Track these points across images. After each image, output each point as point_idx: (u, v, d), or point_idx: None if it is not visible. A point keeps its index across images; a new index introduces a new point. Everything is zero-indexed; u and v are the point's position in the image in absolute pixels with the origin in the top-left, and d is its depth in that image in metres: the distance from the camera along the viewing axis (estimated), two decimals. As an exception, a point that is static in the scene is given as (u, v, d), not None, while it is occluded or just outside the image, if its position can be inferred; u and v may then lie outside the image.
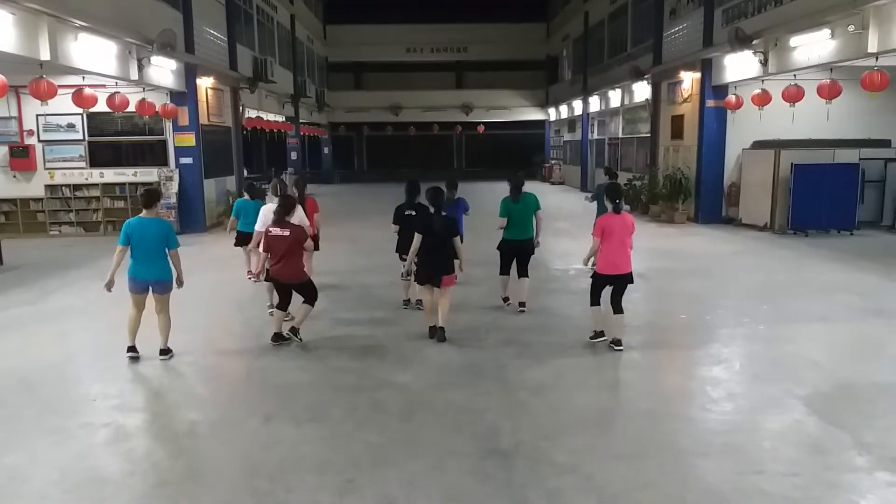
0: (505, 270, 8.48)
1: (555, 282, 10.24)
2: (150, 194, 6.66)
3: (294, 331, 7.09)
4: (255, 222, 8.17)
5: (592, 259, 6.99)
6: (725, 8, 15.33)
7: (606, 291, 6.88)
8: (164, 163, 16.10)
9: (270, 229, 6.91)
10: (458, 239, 7.21)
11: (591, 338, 7.00)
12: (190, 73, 15.78)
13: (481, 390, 5.84)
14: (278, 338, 7.05)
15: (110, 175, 16.02)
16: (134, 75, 13.24)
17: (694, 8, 17.14)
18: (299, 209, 7.71)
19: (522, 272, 8.39)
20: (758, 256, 12.28)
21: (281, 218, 6.94)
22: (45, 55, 9.92)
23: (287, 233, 6.84)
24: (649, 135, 20.26)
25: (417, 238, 7.07)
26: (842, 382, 5.98)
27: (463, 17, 36.43)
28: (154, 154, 16.19)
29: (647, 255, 12.30)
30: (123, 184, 16.00)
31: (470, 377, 6.17)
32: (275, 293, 7.42)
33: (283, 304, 7.15)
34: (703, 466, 4.49)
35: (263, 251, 7.08)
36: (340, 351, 7.01)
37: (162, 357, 6.64)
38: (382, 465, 4.52)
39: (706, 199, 16.70)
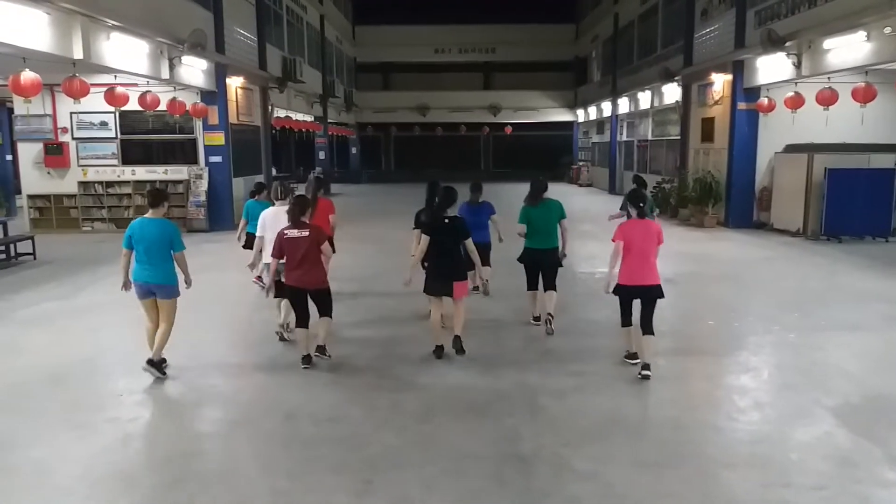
0: (532, 285, 7.77)
1: (580, 285, 10.14)
2: (157, 194, 6.33)
3: (321, 349, 6.48)
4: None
5: (612, 281, 6.38)
6: (758, 9, 15.07)
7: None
8: (194, 161, 16.32)
9: (286, 232, 6.28)
10: (469, 241, 6.64)
11: (626, 357, 6.51)
12: (220, 73, 15.96)
13: (503, 394, 5.79)
14: (308, 360, 6.42)
15: (141, 172, 16.27)
16: (165, 74, 13.43)
17: (726, 9, 16.88)
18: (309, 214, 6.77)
19: (549, 284, 7.61)
20: (789, 262, 12.05)
21: (296, 218, 6.32)
22: (78, 54, 10.09)
23: (306, 233, 6.26)
24: (679, 137, 20.01)
25: (424, 239, 6.52)
26: (873, 393, 5.82)
27: (491, 17, 36.37)
28: (184, 152, 16.42)
29: (675, 260, 12.15)
30: (154, 181, 16.17)
31: (492, 380, 6.12)
32: (285, 310, 7.00)
33: (305, 321, 6.51)
34: (728, 477, 4.40)
35: (275, 257, 6.41)
36: (362, 351, 7.01)
37: (145, 367, 6.09)
38: (400, 466, 4.50)
39: (737, 203, 16.43)
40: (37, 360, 6.67)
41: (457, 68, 38.74)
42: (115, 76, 12.47)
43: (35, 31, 9.18)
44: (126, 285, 6.23)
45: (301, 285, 6.37)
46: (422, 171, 34.31)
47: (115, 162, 16.30)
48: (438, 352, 6.66)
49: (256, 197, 9.54)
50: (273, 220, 7.13)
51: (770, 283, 10.38)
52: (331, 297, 6.61)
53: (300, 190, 10.95)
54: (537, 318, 7.84)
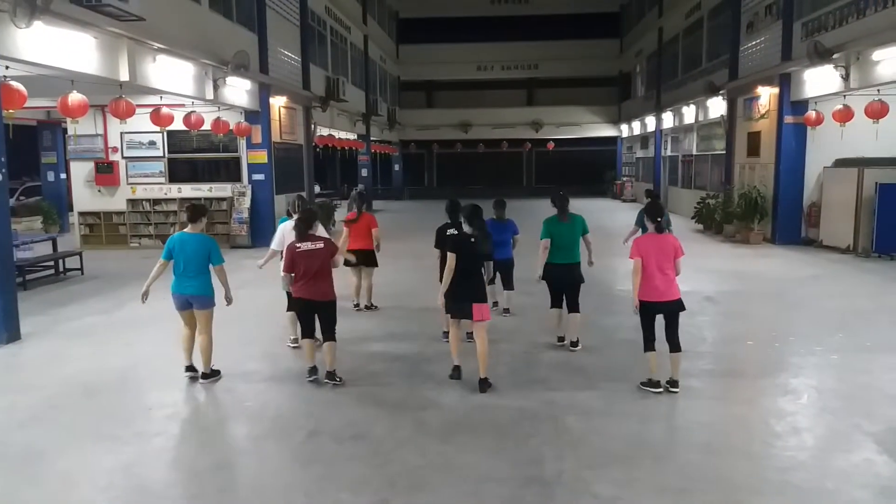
0: (556, 303, 7.59)
1: (618, 303, 9.95)
2: (196, 209, 6.55)
3: (331, 375, 6.42)
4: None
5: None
6: (805, 21, 14.72)
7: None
8: (238, 179, 16.67)
9: (298, 245, 6.31)
10: (490, 263, 6.49)
11: (643, 384, 6.20)
12: (263, 93, 16.31)
13: (527, 413, 5.70)
14: (315, 371, 6.50)
15: (187, 190, 16.68)
16: (210, 95, 13.76)
17: (772, 21, 16.52)
18: (319, 226, 6.84)
19: (572, 306, 7.47)
20: (837, 280, 11.63)
21: (304, 232, 6.36)
22: (124, 76, 10.43)
23: (321, 245, 6.32)
24: (724, 152, 19.61)
25: (452, 257, 6.20)
26: (920, 420, 5.54)
27: (534, 34, 36.42)
28: (228, 170, 16.79)
29: (717, 277, 11.87)
30: (199, 199, 16.58)
31: (517, 399, 6.02)
32: (295, 323, 7.08)
33: (310, 331, 6.51)
34: (758, 505, 4.23)
35: (286, 271, 6.44)
36: (390, 367, 6.99)
37: (203, 381, 6.48)
38: (419, 487, 4.45)
39: (784, 219, 15.98)
40: (74, 373, 6.85)
41: (499, 85, 38.85)
42: (161, 97, 12.85)
43: (83, 55, 9.52)
44: (145, 295, 6.46)
45: (310, 297, 6.34)
46: (464, 188, 34.51)
47: (162, 180, 16.76)
48: (456, 373, 6.48)
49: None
50: (290, 232, 7.09)
51: (815, 301, 10.02)
52: (336, 311, 6.54)
53: (343, 206, 11.02)
54: (562, 339, 7.66)
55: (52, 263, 12.41)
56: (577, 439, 5.23)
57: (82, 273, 12.59)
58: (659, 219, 6.21)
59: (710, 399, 6.20)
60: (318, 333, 6.56)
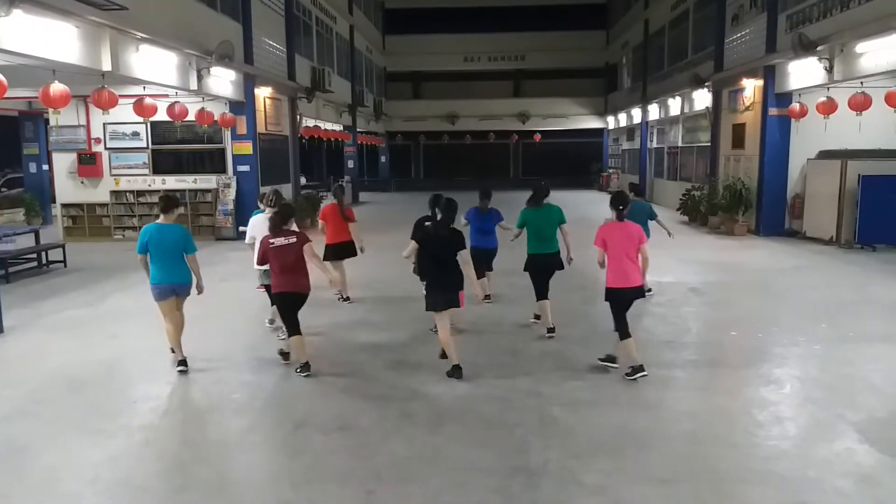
0: (541, 294, 7.67)
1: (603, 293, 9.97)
2: (169, 200, 6.61)
3: (305, 367, 6.48)
4: None
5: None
6: (790, 13, 14.78)
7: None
8: (223, 170, 16.55)
9: (272, 240, 6.36)
10: (465, 252, 6.42)
11: (628, 374, 6.26)
12: (248, 83, 16.18)
13: (514, 404, 5.72)
14: (307, 367, 6.49)
15: (172, 182, 16.54)
16: (193, 85, 13.63)
17: (757, 13, 16.59)
18: (292, 220, 6.86)
19: (545, 293, 7.67)
20: (820, 272, 11.74)
21: (278, 226, 6.41)
22: (106, 66, 10.30)
23: (294, 240, 6.36)
24: (709, 144, 19.71)
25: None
26: (901, 408, 5.62)
27: (521, 25, 36.41)
28: (213, 162, 16.66)
29: (702, 269, 11.95)
30: (184, 190, 16.47)
31: (503, 390, 6.05)
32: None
33: (297, 328, 6.56)
34: (741, 493, 4.28)
35: (259, 263, 6.66)
36: (375, 358, 6.99)
37: (181, 370, 6.57)
38: (405, 478, 4.46)
39: (768, 210, 16.09)
40: (57, 366, 6.79)
41: (486, 76, 38.76)
42: (144, 87, 12.72)
43: (64, 45, 9.38)
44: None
45: (289, 289, 6.41)
46: (451, 179, 34.48)
47: (146, 171, 16.61)
48: (457, 373, 6.30)
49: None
50: (262, 225, 7.19)
51: (799, 292, 10.11)
52: (302, 305, 6.57)
53: (328, 198, 10.98)
54: (552, 330, 7.69)
55: (34, 256, 12.27)
56: (564, 429, 5.26)
57: (65, 266, 12.46)
58: (621, 207, 6.34)
59: (694, 389, 6.25)
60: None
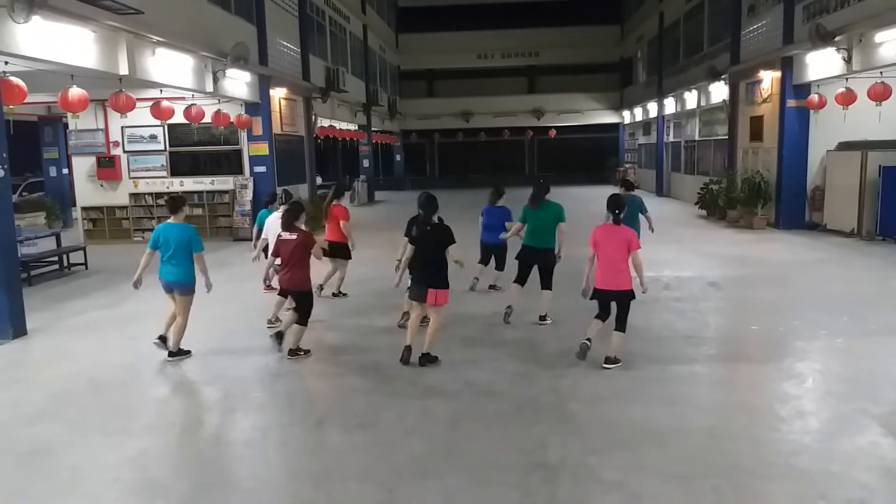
0: (519, 279, 8.01)
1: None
2: (176, 201, 6.93)
3: (295, 351, 6.92)
4: None
5: (590, 285, 6.47)
6: (807, 3, 14.60)
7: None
8: (240, 171, 16.66)
9: (281, 234, 6.90)
10: (453, 247, 6.54)
11: (582, 344, 6.41)
12: (263, 85, 16.27)
13: (533, 400, 5.72)
14: (280, 337, 6.92)
15: (189, 183, 16.66)
16: (209, 87, 13.73)
17: (773, 4, 16.40)
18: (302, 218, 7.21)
19: (544, 284, 7.93)
20: (841, 264, 11.61)
21: (289, 223, 6.85)
22: (123, 70, 10.40)
23: (294, 236, 6.78)
24: (727, 137, 19.54)
25: (409, 248, 6.80)
26: (925, 402, 5.54)
27: (534, 21, 36.24)
28: (230, 163, 16.77)
29: (721, 263, 11.86)
30: (202, 192, 16.64)
31: (522, 387, 6.04)
32: (279, 307, 7.76)
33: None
34: (762, 489, 4.24)
35: (272, 254, 7.23)
36: (394, 356, 6.98)
37: (169, 359, 6.90)
38: (424, 475, 4.47)
39: (788, 203, 15.93)
40: (79, 368, 6.87)
41: (500, 73, 38.68)
42: (161, 90, 12.83)
43: (82, 49, 9.49)
44: (137, 282, 7.00)
45: (286, 286, 7.00)
46: (466, 177, 34.47)
47: (164, 174, 16.75)
48: (405, 353, 6.58)
49: (269, 206, 9.92)
50: (275, 224, 7.88)
51: (819, 286, 10.01)
52: (310, 302, 7.00)
53: (345, 198, 11.09)
54: (509, 311, 8.00)
55: (56, 259, 12.44)
56: (582, 425, 5.24)
57: (86, 268, 12.62)
58: (616, 211, 6.33)
59: (714, 384, 6.22)
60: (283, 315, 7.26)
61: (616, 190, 8.20)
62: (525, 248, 8.00)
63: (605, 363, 6.36)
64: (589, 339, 6.42)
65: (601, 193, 8.38)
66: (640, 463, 4.57)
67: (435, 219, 6.65)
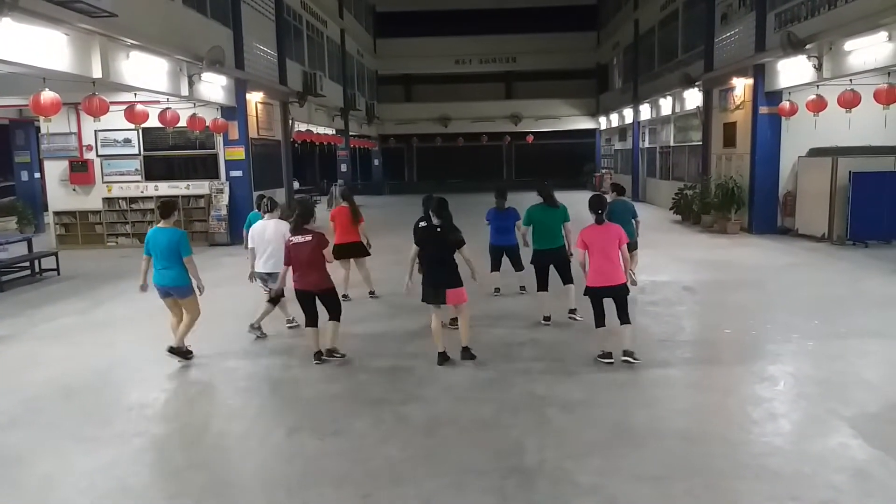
0: (542, 286, 8.13)
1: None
2: (166, 205, 6.93)
3: (332, 351, 6.95)
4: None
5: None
6: (778, 12, 14.86)
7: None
8: (216, 176, 16.51)
9: (292, 238, 6.80)
10: (465, 249, 6.74)
11: (599, 356, 6.66)
12: (240, 89, 16.16)
13: (509, 405, 5.73)
14: (320, 356, 6.89)
15: (164, 188, 16.48)
16: (185, 91, 13.62)
17: (746, 13, 16.67)
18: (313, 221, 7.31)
19: (566, 279, 8.20)
20: (813, 268, 11.80)
21: (299, 226, 6.83)
22: (97, 73, 10.29)
23: (309, 238, 6.74)
24: (701, 143, 19.78)
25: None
26: (893, 402, 5.65)
27: (512, 27, 36.40)
28: (206, 167, 16.62)
29: (696, 267, 12.00)
30: (176, 196, 16.42)
31: (499, 392, 6.06)
32: (282, 308, 7.84)
33: (314, 320, 6.95)
34: (735, 490, 4.30)
35: (285, 264, 6.93)
36: (370, 362, 6.99)
37: (168, 353, 6.88)
38: (401, 481, 4.47)
39: (760, 208, 16.15)
40: (51, 375, 6.77)
41: (478, 79, 38.80)
42: (135, 94, 12.70)
43: (54, 52, 9.37)
44: (144, 288, 6.98)
45: (306, 287, 6.84)
46: (444, 182, 34.47)
47: (138, 178, 16.55)
48: (441, 358, 6.72)
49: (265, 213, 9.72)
50: (262, 233, 7.85)
51: (791, 289, 10.17)
52: (337, 297, 7.06)
53: (322, 202, 11.10)
54: (547, 318, 8.13)
55: (27, 264, 12.22)
56: (558, 429, 5.27)
57: (58, 273, 12.42)
58: (599, 210, 6.59)
59: (688, 387, 6.29)
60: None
61: (595, 193, 8.26)
62: (538, 252, 8.08)
63: (631, 357, 6.52)
64: (610, 353, 6.60)
65: (578, 198, 8.50)
66: (616, 466, 4.61)
67: (435, 221, 6.75)
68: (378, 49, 37.61)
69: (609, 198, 9.92)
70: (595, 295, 6.58)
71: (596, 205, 6.62)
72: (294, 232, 6.83)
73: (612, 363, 6.53)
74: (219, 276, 11.64)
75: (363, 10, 34.68)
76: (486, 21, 36.39)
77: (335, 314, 6.97)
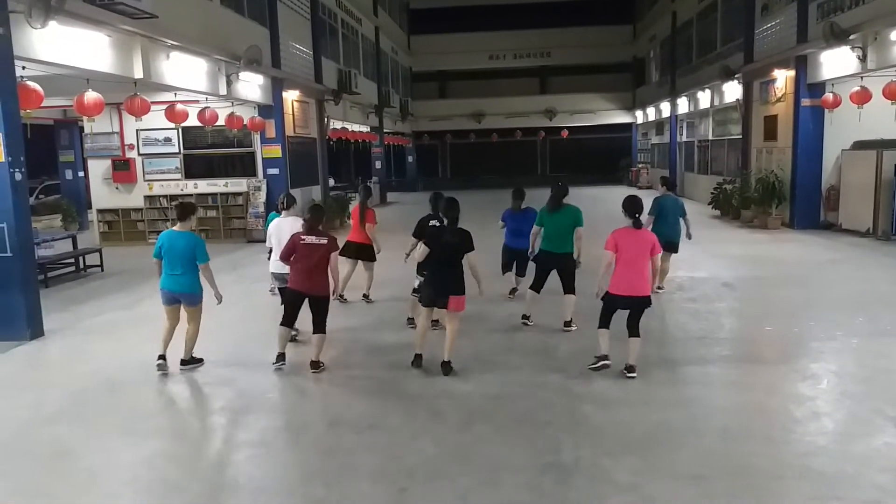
0: (536, 286, 7.87)
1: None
2: (184, 207, 6.62)
3: (315, 364, 6.57)
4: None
5: (604, 286, 6.22)
6: (820, 2, 14.50)
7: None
8: (253, 173, 16.74)
9: (303, 237, 6.48)
10: (472, 255, 6.38)
11: (592, 365, 6.28)
12: (276, 87, 16.35)
13: (545, 402, 5.72)
14: (282, 358, 6.63)
15: (203, 186, 16.78)
16: (223, 90, 13.83)
17: (787, 3, 16.28)
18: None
19: (567, 288, 7.73)
20: (857, 264, 11.51)
21: (314, 226, 6.53)
22: (138, 74, 10.50)
23: (324, 241, 6.46)
24: (741, 136, 19.43)
25: (423, 249, 6.43)
26: (942, 403, 5.49)
27: (546, 21, 36.14)
28: (243, 165, 16.87)
29: (735, 263, 11.80)
30: (215, 194, 16.74)
31: (534, 388, 6.04)
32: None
33: (291, 321, 6.70)
34: (777, 489, 4.24)
35: (282, 258, 6.70)
36: (405, 358, 6.99)
37: (182, 367, 6.68)
38: (436, 476, 4.49)
39: (802, 203, 15.81)
40: (96, 369, 6.94)
41: (512, 74, 38.65)
42: (175, 94, 12.94)
43: (97, 54, 9.60)
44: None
45: (303, 290, 6.49)
46: (478, 178, 34.45)
47: (178, 176, 16.87)
48: (417, 361, 6.51)
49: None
50: (277, 231, 7.61)
51: (835, 286, 9.93)
52: (327, 308, 6.66)
53: (356, 199, 11.07)
54: (527, 317, 7.98)
55: (72, 261, 12.56)
56: (595, 427, 5.24)
57: (102, 270, 12.74)
58: (637, 214, 6.12)
59: (728, 385, 6.19)
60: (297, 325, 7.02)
61: (632, 191, 8.12)
62: (543, 253, 7.80)
63: (630, 372, 6.12)
64: (606, 356, 6.24)
65: (614, 194, 8.37)
66: (654, 464, 4.56)
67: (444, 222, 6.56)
68: (412, 46, 37.69)
69: (659, 192, 9.81)
70: (613, 303, 6.18)
71: (631, 208, 6.14)
72: (309, 232, 6.52)
73: (607, 367, 6.18)
74: (257, 273, 11.80)
75: (397, 7, 34.77)
76: (520, 15, 36.20)
77: (321, 326, 6.58)
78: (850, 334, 7.42)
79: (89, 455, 5.01)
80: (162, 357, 6.69)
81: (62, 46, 8.75)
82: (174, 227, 6.62)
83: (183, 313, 6.68)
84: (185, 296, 6.55)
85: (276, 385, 6.47)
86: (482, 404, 5.72)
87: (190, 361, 6.77)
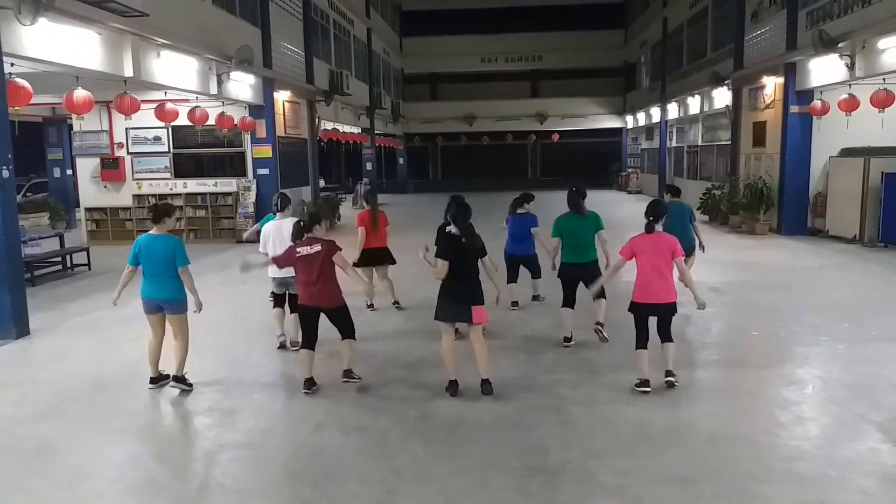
0: (567, 302, 7.27)
1: (621, 294, 9.93)
2: (159, 209, 6.13)
3: (349, 373, 6.13)
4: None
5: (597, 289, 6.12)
6: (810, 10, 14.63)
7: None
8: (243, 173, 16.71)
9: (298, 249, 5.97)
10: (487, 259, 6.03)
11: (637, 385, 5.91)
12: (267, 87, 16.32)
13: (532, 404, 5.73)
14: (311, 384, 6.10)
15: (193, 185, 16.74)
16: (214, 90, 13.79)
17: (777, 10, 16.43)
18: (318, 227, 6.17)
19: (597, 295, 7.15)
20: (843, 270, 11.61)
21: (301, 235, 6.05)
22: (128, 72, 10.47)
23: (318, 247, 5.90)
24: (730, 142, 19.56)
25: (444, 265, 5.76)
26: (925, 408, 5.55)
27: (538, 25, 36.28)
28: (233, 165, 16.84)
29: (723, 268, 11.86)
30: (205, 194, 16.71)
31: (522, 391, 6.05)
32: (295, 327, 6.94)
33: (312, 342, 6.10)
34: (762, 493, 4.26)
35: (279, 265, 6.32)
36: (395, 361, 7.02)
37: (173, 384, 6.21)
38: (424, 478, 4.49)
39: (790, 209, 15.92)
40: (82, 368, 6.91)
41: (503, 77, 38.71)
42: (165, 92, 12.89)
43: (87, 51, 9.56)
44: (115, 299, 6.34)
45: (314, 304, 6.00)
46: (469, 181, 34.47)
47: (167, 175, 16.82)
48: (452, 388, 5.91)
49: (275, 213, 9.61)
50: (276, 233, 7.12)
51: (821, 292, 10.01)
52: (349, 314, 6.19)
53: (348, 200, 10.99)
54: (568, 340, 7.30)
55: (59, 259, 12.49)
56: (582, 429, 5.25)
57: (89, 269, 12.66)
58: (651, 217, 5.95)
59: (714, 389, 6.22)
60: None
61: (622, 195, 8.15)
62: (566, 266, 7.24)
63: (672, 378, 5.94)
64: (648, 381, 5.88)
65: (604, 198, 8.41)
66: (640, 467, 4.58)
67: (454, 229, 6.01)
68: (404, 48, 37.72)
69: (666, 200, 9.73)
70: (639, 312, 5.96)
71: (649, 211, 5.97)
72: (300, 241, 6.02)
73: (649, 392, 5.84)
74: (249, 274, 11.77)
75: (390, 9, 34.80)
76: (512, 19, 36.34)
77: (349, 332, 6.13)
78: (836, 340, 7.48)
79: (74, 453, 4.98)
80: (153, 380, 6.28)
81: (52, 43, 8.71)
82: (151, 231, 6.13)
83: (168, 327, 6.19)
84: (168, 303, 6.07)
85: (263, 386, 6.45)
86: (470, 407, 5.71)
87: (181, 380, 6.21)
